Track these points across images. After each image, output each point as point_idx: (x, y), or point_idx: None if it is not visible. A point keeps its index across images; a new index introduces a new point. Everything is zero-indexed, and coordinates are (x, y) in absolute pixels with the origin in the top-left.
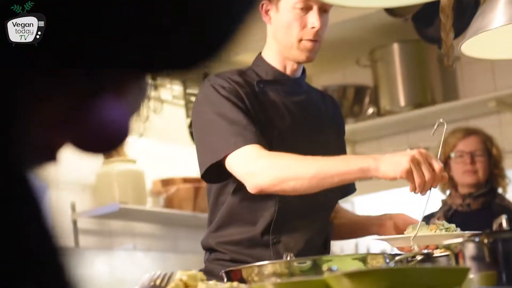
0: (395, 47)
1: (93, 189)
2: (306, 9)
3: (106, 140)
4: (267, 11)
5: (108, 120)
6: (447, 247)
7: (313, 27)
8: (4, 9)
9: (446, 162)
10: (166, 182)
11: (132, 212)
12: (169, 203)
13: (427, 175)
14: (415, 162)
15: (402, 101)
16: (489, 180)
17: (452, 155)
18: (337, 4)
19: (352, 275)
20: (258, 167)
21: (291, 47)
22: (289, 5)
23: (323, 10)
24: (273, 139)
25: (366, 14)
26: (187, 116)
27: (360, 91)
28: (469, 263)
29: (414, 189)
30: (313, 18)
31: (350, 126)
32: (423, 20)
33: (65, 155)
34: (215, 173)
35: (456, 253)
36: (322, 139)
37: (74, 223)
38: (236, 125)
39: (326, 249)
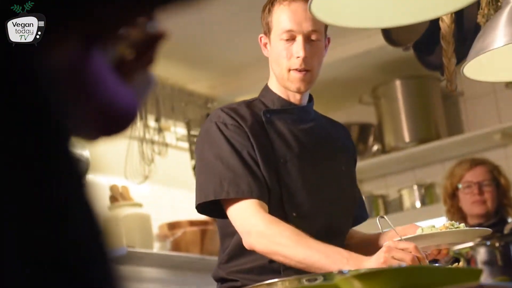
0: (397, 83)
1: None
2: (292, 39)
3: (114, 120)
4: (265, 44)
5: (116, 101)
6: (458, 253)
7: (298, 57)
8: (4, 9)
9: (454, 193)
10: (173, 226)
11: (139, 256)
12: (176, 246)
13: (407, 258)
14: (390, 256)
15: (406, 137)
16: (498, 210)
17: (460, 186)
18: (333, 25)
19: (363, 276)
20: (254, 229)
21: (283, 78)
22: (277, 37)
23: (310, 39)
24: (280, 169)
25: (366, 51)
26: (192, 158)
27: (364, 129)
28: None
29: None
30: (297, 47)
31: None
32: (424, 48)
33: None
34: (209, 208)
35: (468, 259)
36: (332, 167)
37: None
38: (232, 171)
39: None
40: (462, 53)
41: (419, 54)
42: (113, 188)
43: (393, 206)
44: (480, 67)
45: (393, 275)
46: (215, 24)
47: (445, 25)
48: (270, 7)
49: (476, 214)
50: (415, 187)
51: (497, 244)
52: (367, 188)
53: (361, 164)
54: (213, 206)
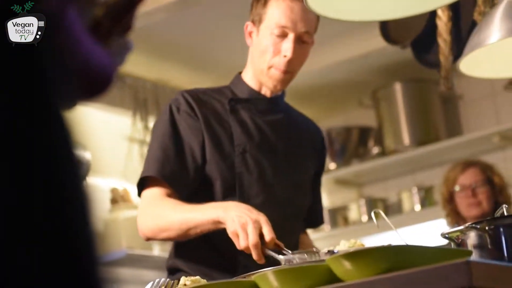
0: (397, 86)
1: (99, 236)
2: (283, 36)
3: (90, 82)
4: (250, 33)
5: (91, 62)
6: (449, 238)
7: (285, 56)
8: (4, 9)
9: (451, 197)
10: None
11: (139, 258)
12: None
13: (252, 239)
14: (243, 227)
15: (406, 140)
16: (495, 210)
17: (456, 189)
18: (329, 18)
19: (352, 255)
20: (142, 218)
21: (262, 72)
22: (268, 30)
23: (301, 40)
24: (237, 159)
25: (366, 54)
26: None
27: (364, 132)
28: None
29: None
30: (286, 46)
31: (355, 168)
32: (422, 46)
33: None
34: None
35: (458, 243)
36: (294, 162)
37: None
38: (163, 152)
39: None
40: (459, 51)
41: (417, 52)
42: (114, 191)
43: (393, 209)
44: (476, 63)
45: (382, 254)
46: (218, 26)
47: (442, 23)
48: None
49: (473, 216)
50: (415, 190)
51: (487, 228)
52: (367, 192)
53: (361, 167)
54: None
